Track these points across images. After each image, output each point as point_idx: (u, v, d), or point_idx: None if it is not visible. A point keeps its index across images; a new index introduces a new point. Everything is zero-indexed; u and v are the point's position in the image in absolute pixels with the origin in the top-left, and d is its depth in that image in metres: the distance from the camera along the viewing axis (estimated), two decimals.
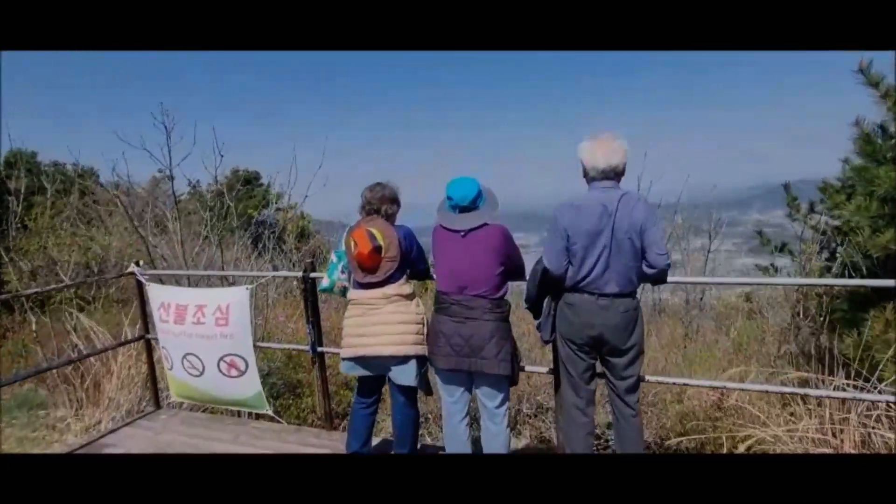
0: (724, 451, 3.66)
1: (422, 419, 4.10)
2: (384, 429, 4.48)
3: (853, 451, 3.20)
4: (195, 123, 5.81)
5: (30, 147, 12.38)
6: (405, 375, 2.96)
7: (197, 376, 3.86)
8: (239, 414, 4.24)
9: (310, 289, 3.59)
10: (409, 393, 3.05)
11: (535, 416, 4.76)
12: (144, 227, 7.10)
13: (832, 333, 6.33)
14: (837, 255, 6.42)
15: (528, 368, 3.20)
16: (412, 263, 3.10)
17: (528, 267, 3.07)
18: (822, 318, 6.33)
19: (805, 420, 3.42)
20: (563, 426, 2.99)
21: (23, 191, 9.93)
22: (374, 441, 3.64)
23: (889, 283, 2.81)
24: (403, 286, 3.01)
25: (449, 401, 2.98)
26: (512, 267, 2.95)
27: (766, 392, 3.19)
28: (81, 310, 8.06)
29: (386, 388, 3.22)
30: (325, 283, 3.23)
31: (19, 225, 9.61)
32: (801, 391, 3.02)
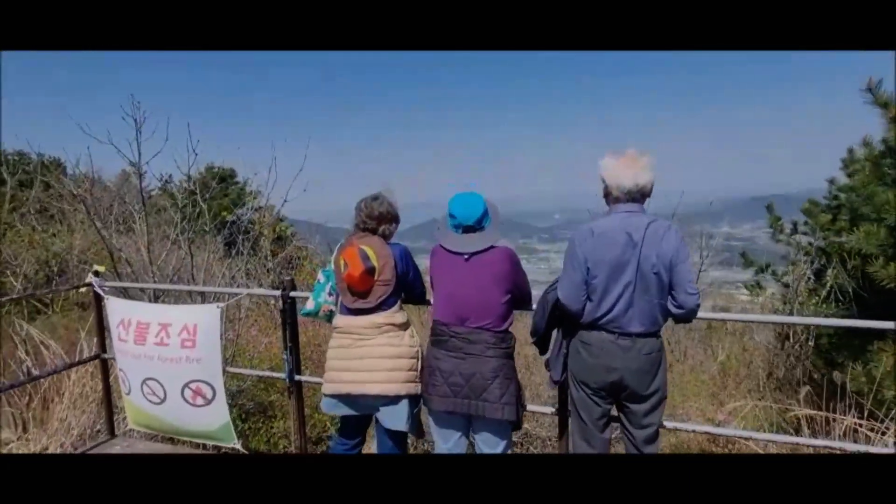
0: None
1: None
2: None
3: None
4: (168, 118, 5.35)
5: None
6: (395, 418, 2.62)
7: (157, 404, 3.45)
8: (203, 446, 3.83)
9: (289, 310, 3.21)
10: (398, 437, 2.71)
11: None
12: (109, 227, 6.61)
13: (819, 358, 6.23)
14: (825, 277, 6.31)
15: (530, 407, 2.87)
16: (408, 286, 2.76)
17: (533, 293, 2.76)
18: (807, 341, 6.21)
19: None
20: None
21: None
22: None
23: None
24: (397, 314, 2.67)
25: (443, 447, 2.65)
26: (519, 295, 2.64)
27: (782, 443, 2.93)
28: (38, 313, 7.52)
29: (372, 428, 2.87)
30: (309, 305, 2.86)
31: None
32: (821, 443, 2.75)
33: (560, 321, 2.61)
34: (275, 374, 3.76)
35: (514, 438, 3.62)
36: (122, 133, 5.37)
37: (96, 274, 3.74)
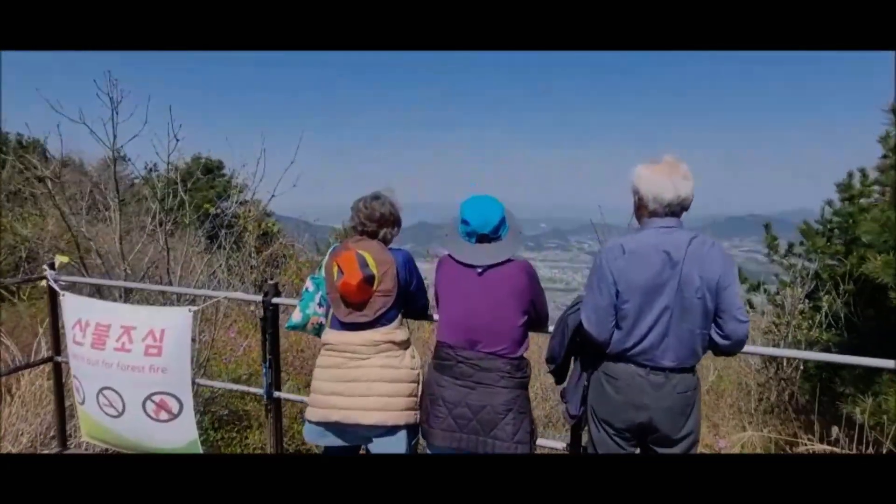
0: None
1: None
2: None
3: None
4: (149, 98, 4.93)
5: None
6: (391, 451, 2.26)
7: (115, 417, 3.04)
8: None
9: (270, 318, 2.83)
10: None
11: None
12: (80, 214, 6.16)
13: (807, 382, 6.00)
14: (818, 300, 6.11)
15: (539, 441, 2.52)
16: (410, 299, 2.41)
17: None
18: (796, 368, 6.00)
19: None
20: None
21: None
22: None
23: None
24: (397, 330, 2.31)
25: None
26: (536, 317, 2.29)
27: None
28: (1, 300, 7.03)
29: None
30: (295, 318, 2.49)
31: None
32: None
33: (581, 348, 2.27)
34: (251, 390, 3.35)
35: None
36: (102, 113, 4.95)
37: (52, 266, 3.32)
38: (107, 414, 3.05)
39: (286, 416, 4.12)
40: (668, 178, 2.07)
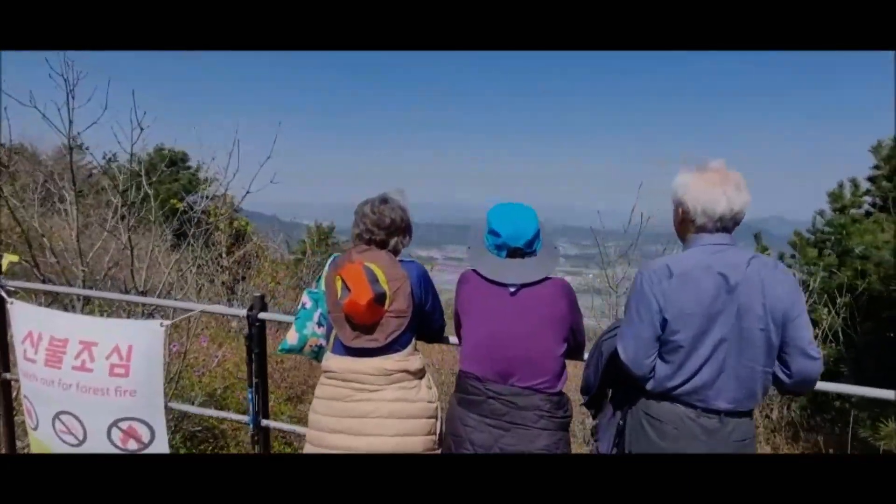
0: None
1: None
2: None
3: None
4: (108, 82, 4.44)
5: None
6: None
7: (75, 445, 2.62)
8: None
9: (257, 336, 2.46)
10: None
11: None
12: (32, 207, 5.61)
13: (807, 400, 5.91)
14: (818, 315, 6.02)
15: None
16: (425, 319, 2.08)
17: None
18: None
19: None
20: None
21: None
22: None
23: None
24: (412, 357, 1.99)
25: None
26: (574, 344, 1.99)
27: None
28: None
29: None
30: (290, 339, 2.14)
31: None
32: None
33: (615, 380, 1.99)
34: (236, 417, 2.96)
35: None
36: (56, 97, 4.45)
37: None
38: (64, 442, 2.64)
39: (275, 439, 3.76)
40: (719, 188, 1.80)
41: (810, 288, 6.22)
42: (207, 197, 6.49)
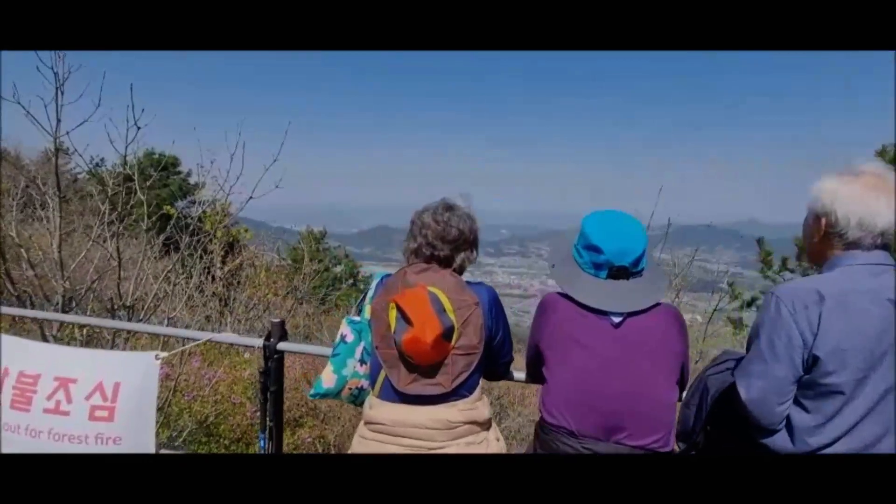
0: None
1: None
2: None
3: None
4: (104, 75, 4.03)
5: None
6: None
7: None
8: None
9: (274, 371, 2.04)
10: None
11: None
12: (11, 213, 5.14)
13: None
14: None
15: None
16: (493, 355, 1.70)
17: None
18: None
19: None
20: None
21: None
22: None
23: None
24: (479, 404, 1.61)
25: None
26: (681, 384, 1.61)
27: None
28: None
29: None
30: (327, 382, 1.73)
31: None
32: None
33: (719, 424, 1.60)
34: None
35: None
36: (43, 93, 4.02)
37: None
38: None
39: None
40: (879, 197, 1.44)
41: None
42: (202, 202, 6.03)
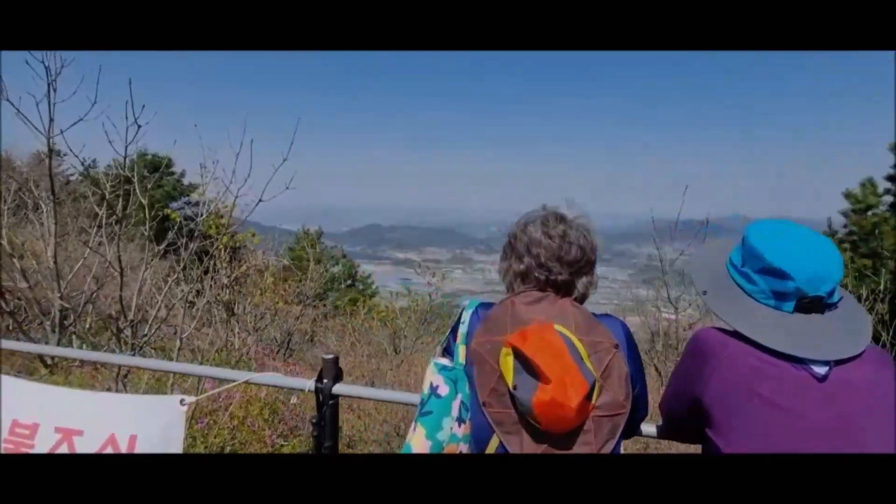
0: None
1: None
2: None
3: None
4: (100, 69, 3.64)
5: None
6: None
7: None
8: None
9: (330, 419, 1.65)
10: None
11: None
12: (2, 219, 4.72)
13: None
14: None
15: None
16: (631, 409, 1.32)
17: None
18: None
19: None
20: None
21: None
22: None
23: None
24: None
25: None
26: None
27: None
28: None
29: None
30: (419, 448, 1.33)
31: None
32: None
33: None
34: None
35: None
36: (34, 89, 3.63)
37: None
38: None
39: None
40: None
41: (862, 295, 6.00)
42: (206, 203, 5.63)
